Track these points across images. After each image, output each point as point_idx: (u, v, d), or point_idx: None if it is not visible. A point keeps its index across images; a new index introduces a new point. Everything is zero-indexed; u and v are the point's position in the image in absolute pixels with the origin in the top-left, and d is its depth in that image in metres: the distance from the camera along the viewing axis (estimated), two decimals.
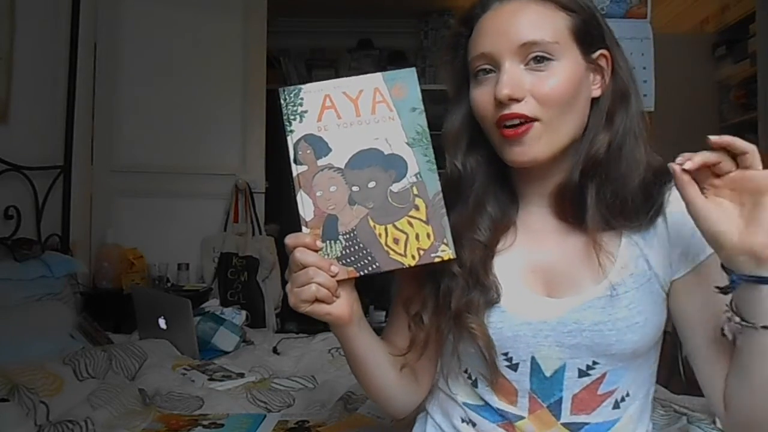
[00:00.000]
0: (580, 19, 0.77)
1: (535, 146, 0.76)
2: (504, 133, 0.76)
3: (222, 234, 3.14)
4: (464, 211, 0.81)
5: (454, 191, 0.81)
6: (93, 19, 2.89)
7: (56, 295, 2.14)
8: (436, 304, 0.81)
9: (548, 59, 0.75)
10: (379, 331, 0.91)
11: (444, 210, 0.74)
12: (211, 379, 1.72)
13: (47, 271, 2.15)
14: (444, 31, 4.82)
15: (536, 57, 0.75)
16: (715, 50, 4.36)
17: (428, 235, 0.74)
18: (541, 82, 0.75)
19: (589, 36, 0.78)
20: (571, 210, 0.80)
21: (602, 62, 0.79)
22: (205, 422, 1.39)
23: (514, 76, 0.75)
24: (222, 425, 1.38)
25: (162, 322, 2.00)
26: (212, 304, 2.50)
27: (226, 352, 2.04)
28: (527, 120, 0.75)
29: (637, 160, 0.78)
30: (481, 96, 0.78)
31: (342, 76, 0.77)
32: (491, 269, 0.80)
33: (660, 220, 0.78)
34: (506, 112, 0.75)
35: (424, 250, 0.74)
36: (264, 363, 1.92)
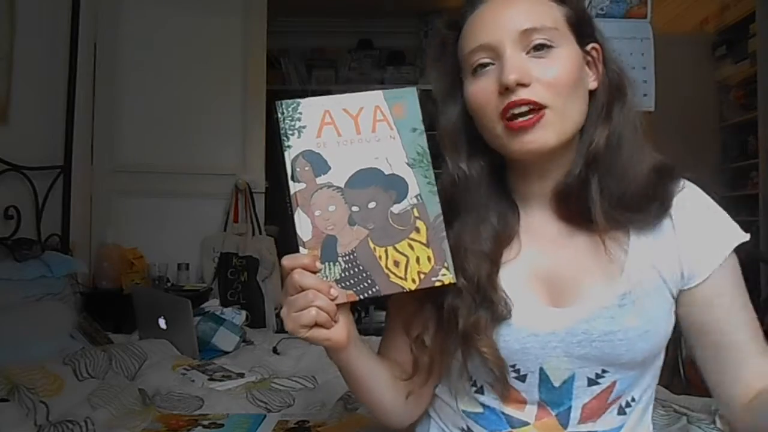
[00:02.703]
0: (572, 11, 0.77)
1: (545, 133, 0.73)
2: (511, 125, 0.73)
3: (222, 234, 3.14)
4: (468, 220, 0.79)
5: (459, 200, 0.79)
6: (93, 19, 2.89)
7: (56, 295, 2.14)
8: (438, 325, 0.78)
9: (549, 46, 0.74)
10: (379, 330, 0.90)
11: (444, 233, 0.72)
12: (211, 379, 1.72)
13: (47, 271, 2.15)
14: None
15: (537, 44, 0.73)
16: (715, 50, 4.36)
17: (429, 259, 0.71)
18: (546, 69, 0.73)
19: (582, 28, 0.78)
20: (576, 208, 0.78)
21: (595, 55, 0.79)
22: (205, 422, 1.39)
23: (518, 62, 0.73)
24: (222, 425, 1.38)
25: (162, 322, 2.00)
26: (212, 304, 2.50)
27: (226, 352, 2.04)
28: (537, 107, 0.72)
29: (637, 152, 0.77)
30: (482, 89, 0.75)
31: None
32: (497, 284, 0.77)
33: (667, 222, 0.77)
34: (514, 98, 0.72)
35: (424, 273, 0.71)
36: (264, 363, 1.92)
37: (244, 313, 2.36)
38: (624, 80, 0.80)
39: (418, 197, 0.72)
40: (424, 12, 4.82)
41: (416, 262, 0.71)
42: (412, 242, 0.72)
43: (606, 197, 0.75)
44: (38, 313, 1.99)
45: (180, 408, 1.49)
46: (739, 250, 0.78)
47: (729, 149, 4.28)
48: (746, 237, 0.77)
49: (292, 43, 4.82)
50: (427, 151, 0.73)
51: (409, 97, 0.74)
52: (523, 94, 0.72)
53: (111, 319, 2.47)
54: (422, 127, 0.73)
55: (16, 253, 2.12)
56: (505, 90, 0.72)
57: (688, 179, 0.79)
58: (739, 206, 4.09)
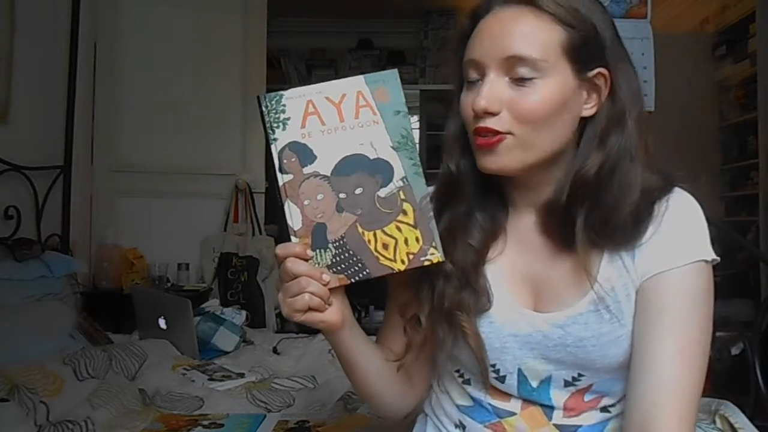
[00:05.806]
0: (578, 35, 0.74)
1: (505, 157, 0.75)
2: (477, 141, 0.76)
3: (222, 234, 3.14)
4: (457, 213, 0.81)
5: (448, 192, 0.82)
6: (93, 19, 2.89)
7: (56, 295, 2.14)
8: (432, 306, 0.80)
9: (532, 78, 0.73)
10: (378, 330, 0.91)
11: (432, 214, 0.74)
12: (211, 379, 1.72)
13: (47, 271, 2.15)
14: (444, 31, 4.84)
15: (521, 72, 0.73)
16: (715, 50, 4.36)
17: (417, 239, 0.74)
18: (520, 99, 0.73)
19: (586, 54, 0.75)
20: (557, 230, 0.78)
21: (599, 81, 0.76)
22: (205, 422, 1.39)
23: (493, 89, 0.74)
24: (222, 425, 1.38)
25: (162, 322, 2.00)
26: (212, 304, 2.50)
27: (226, 352, 2.04)
28: (498, 134, 0.74)
29: (630, 184, 0.74)
30: (465, 103, 0.77)
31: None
32: (482, 274, 0.80)
33: (648, 234, 0.74)
34: (480, 124, 0.75)
35: (413, 254, 0.74)
36: (264, 363, 1.93)
37: (244, 313, 2.36)
38: (628, 108, 0.76)
39: (404, 180, 0.74)
40: (424, 12, 4.83)
41: (404, 243, 0.74)
42: (399, 224, 0.74)
43: (590, 227, 0.74)
44: (38, 313, 1.99)
45: (180, 408, 1.49)
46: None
47: (729, 149, 4.29)
48: (711, 256, 0.74)
49: (292, 43, 4.83)
50: (411, 133, 0.75)
51: (391, 80, 0.75)
52: (488, 122, 0.74)
53: (111, 319, 2.47)
54: (405, 110, 0.75)
55: (16, 253, 2.12)
56: (475, 115, 0.75)
57: (688, 189, 0.76)
58: (739, 206, 4.10)
